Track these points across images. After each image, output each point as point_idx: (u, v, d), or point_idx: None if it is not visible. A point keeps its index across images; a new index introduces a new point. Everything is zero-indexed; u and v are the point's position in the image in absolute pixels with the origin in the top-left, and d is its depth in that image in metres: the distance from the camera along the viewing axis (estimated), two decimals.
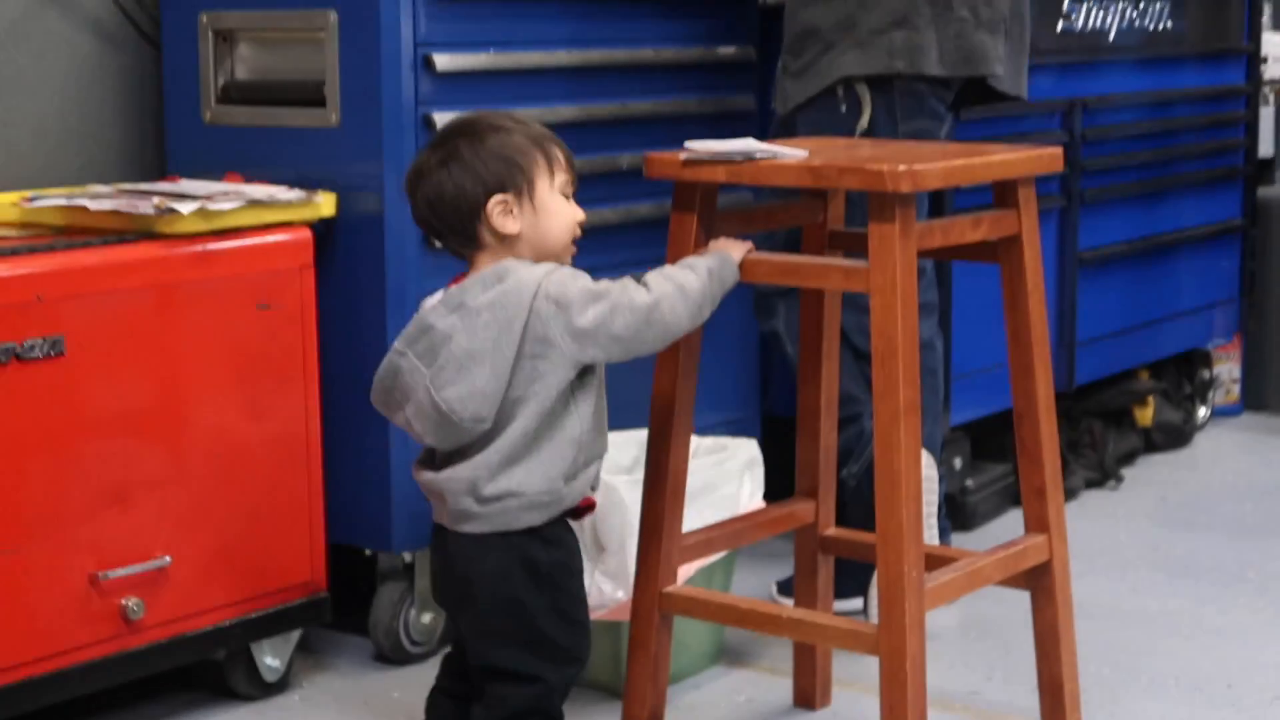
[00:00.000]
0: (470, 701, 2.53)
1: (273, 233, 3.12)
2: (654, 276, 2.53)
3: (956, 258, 3.00)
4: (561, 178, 2.51)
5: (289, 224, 3.15)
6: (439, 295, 2.49)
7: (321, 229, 3.22)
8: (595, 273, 3.51)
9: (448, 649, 2.67)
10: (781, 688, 3.20)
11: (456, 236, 2.50)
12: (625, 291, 2.48)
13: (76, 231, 3.02)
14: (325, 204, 3.20)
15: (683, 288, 2.52)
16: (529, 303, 2.43)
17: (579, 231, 2.53)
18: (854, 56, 3.39)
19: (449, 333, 2.43)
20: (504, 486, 2.44)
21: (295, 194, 3.17)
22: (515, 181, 2.47)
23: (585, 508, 2.56)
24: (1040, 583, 2.88)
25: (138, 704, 3.16)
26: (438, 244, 2.60)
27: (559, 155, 2.51)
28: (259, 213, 3.10)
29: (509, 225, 2.46)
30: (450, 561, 2.51)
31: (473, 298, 2.43)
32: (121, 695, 3.15)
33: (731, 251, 2.65)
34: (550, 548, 2.49)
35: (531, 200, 2.48)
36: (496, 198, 2.46)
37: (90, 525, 2.89)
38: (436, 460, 2.52)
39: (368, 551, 3.34)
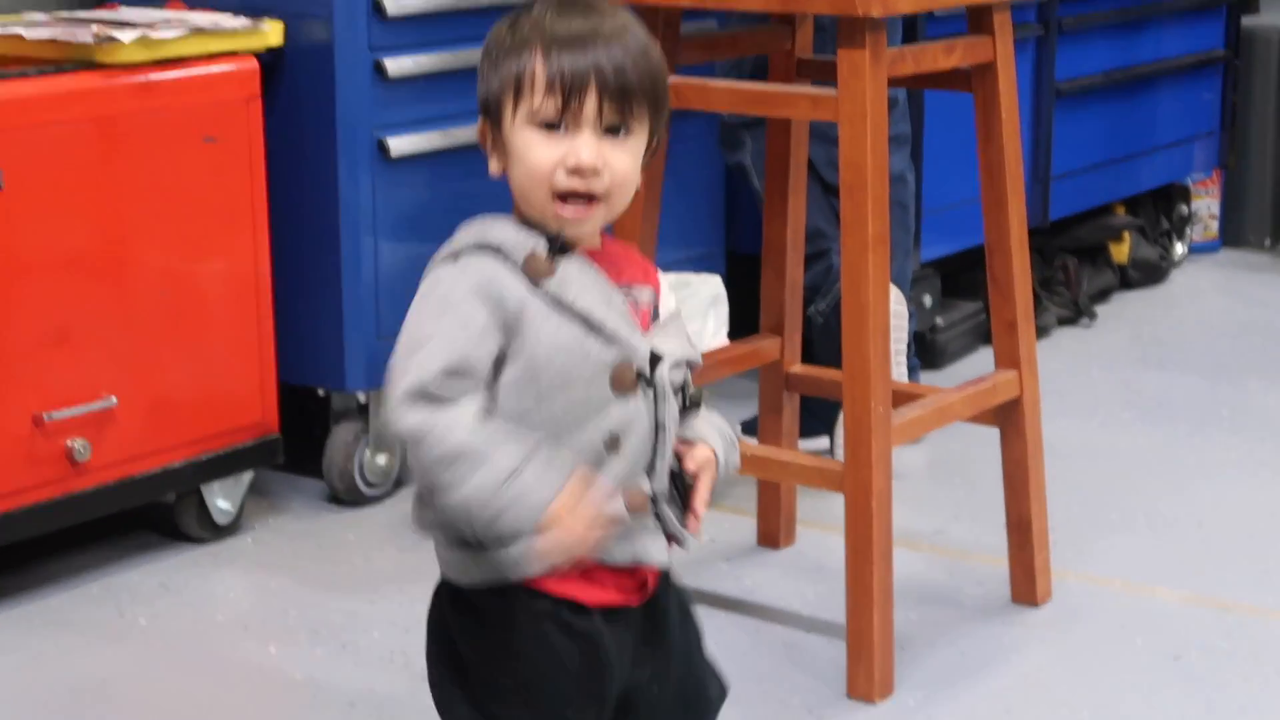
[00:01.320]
0: None
1: (218, 62, 3.08)
2: (485, 435, 1.69)
3: (929, 86, 2.99)
4: (536, 100, 1.77)
5: (234, 53, 3.11)
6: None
7: (268, 58, 3.18)
8: None
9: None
10: (746, 527, 3.22)
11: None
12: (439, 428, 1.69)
13: (12, 61, 2.98)
14: (272, 32, 3.16)
15: (474, 469, 1.68)
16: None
17: (563, 182, 1.76)
18: None
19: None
20: None
21: (241, 21, 3.14)
22: (491, 104, 1.83)
23: None
24: (1010, 419, 2.90)
25: (86, 547, 3.17)
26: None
27: (532, 67, 1.77)
28: (203, 41, 3.06)
29: (491, 164, 1.86)
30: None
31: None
32: (70, 538, 3.15)
33: (560, 503, 1.69)
34: None
35: (502, 135, 1.82)
36: (480, 121, 1.86)
37: (32, 366, 2.88)
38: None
39: (321, 391, 3.34)
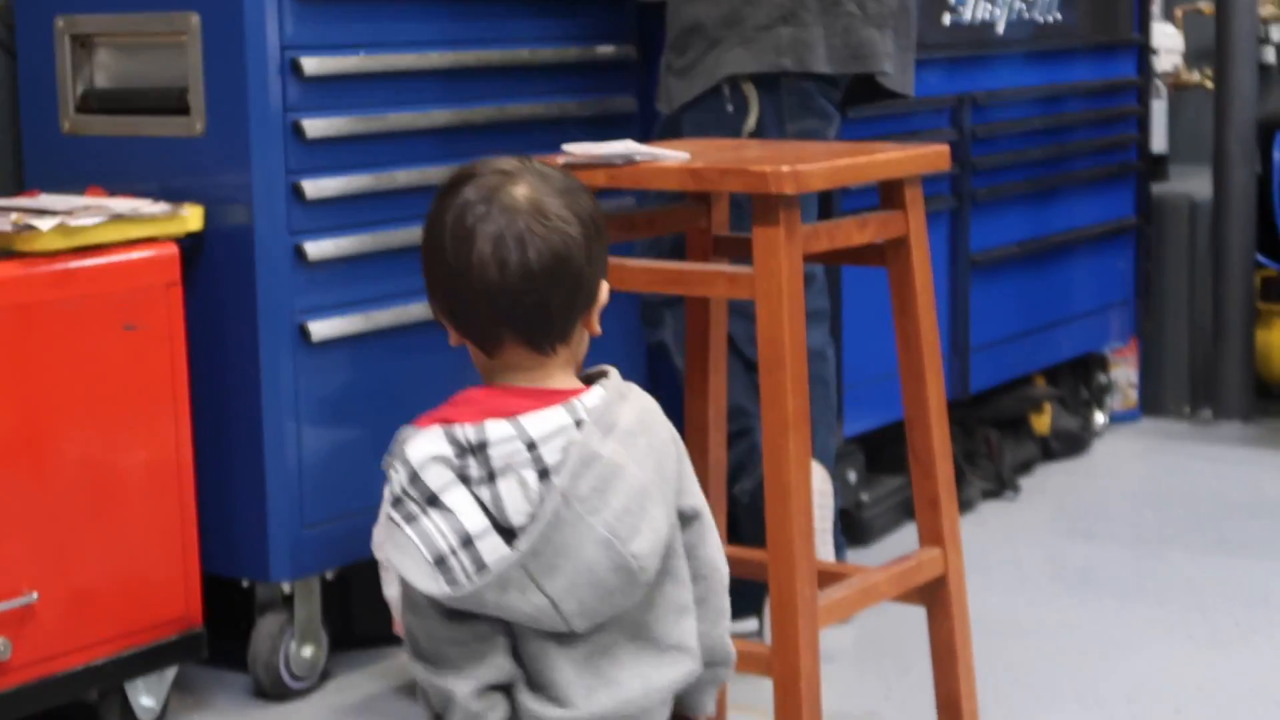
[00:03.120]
0: None
1: (137, 249, 3.10)
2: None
3: (844, 262, 3.04)
4: None
5: (154, 239, 3.13)
6: (541, 418, 1.88)
7: (189, 244, 3.21)
8: None
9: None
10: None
11: (560, 319, 1.92)
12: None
13: None
14: (192, 217, 3.19)
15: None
16: (668, 436, 1.97)
17: None
18: (740, 53, 3.41)
19: (619, 463, 1.87)
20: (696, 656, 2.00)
21: (160, 207, 3.16)
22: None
23: None
24: (936, 597, 2.91)
25: None
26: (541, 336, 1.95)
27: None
28: (122, 228, 3.08)
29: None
30: None
31: (620, 416, 1.91)
32: None
33: None
34: None
35: None
36: (605, 287, 1.98)
37: None
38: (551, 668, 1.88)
39: (245, 582, 3.33)
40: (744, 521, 3.50)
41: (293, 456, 3.25)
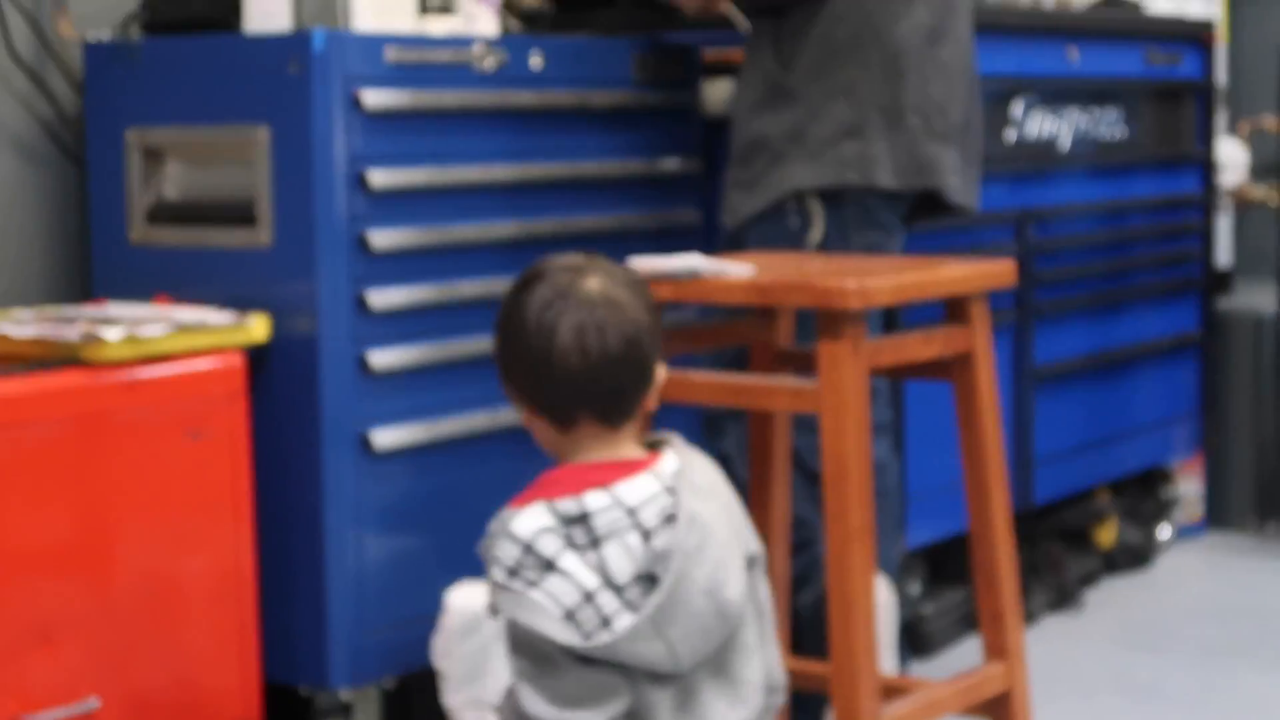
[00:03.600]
0: None
1: (203, 358, 3.12)
2: None
3: (908, 376, 3.04)
4: None
5: (220, 349, 3.15)
6: (634, 486, 2.10)
7: (254, 353, 3.23)
8: None
9: None
10: None
11: (632, 397, 2.16)
12: None
13: None
14: (258, 327, 3.21)
15: None
16: (732, 491, 2.22)
17: None
18: (804, 167, 3.42)
19: (711, 521, 2.10)
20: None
21: (226, 317, 3.19)
22: None
23: None
24: (1001, 712, 2.90)
25: None
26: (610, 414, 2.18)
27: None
28: (189, 338, 3.10)
29: (653, 402, 2.22)
30: None
31: (698, 476, 2.14)
32: None
33: None
34: None
35: None
36: (663, 368, 2.23)
37: (13, 666, 2.87)
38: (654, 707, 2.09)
39: (304, 690, 3.33)
40: (806, 633, 3.48)
41: (353, 565, 3.25)
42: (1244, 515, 5.34)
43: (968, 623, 4.25)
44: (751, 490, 3.08)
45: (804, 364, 2.99)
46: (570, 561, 2.03)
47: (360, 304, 3.25)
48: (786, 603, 3.12)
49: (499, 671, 2.96)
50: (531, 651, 2.04)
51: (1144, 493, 5.08)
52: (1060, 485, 4.62)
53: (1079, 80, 4.60)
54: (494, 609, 2.06)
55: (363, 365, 3.25)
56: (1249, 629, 4.40)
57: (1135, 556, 4.92)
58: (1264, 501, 5.33)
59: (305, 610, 3.26)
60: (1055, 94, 4.50)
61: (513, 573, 2.03)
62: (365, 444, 3.26)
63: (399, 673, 3.34)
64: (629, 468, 2.10)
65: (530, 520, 2.04)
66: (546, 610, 2.01)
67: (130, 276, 3.46)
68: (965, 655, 4.08)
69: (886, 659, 3.40)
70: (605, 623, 2.01)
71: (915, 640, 4.11)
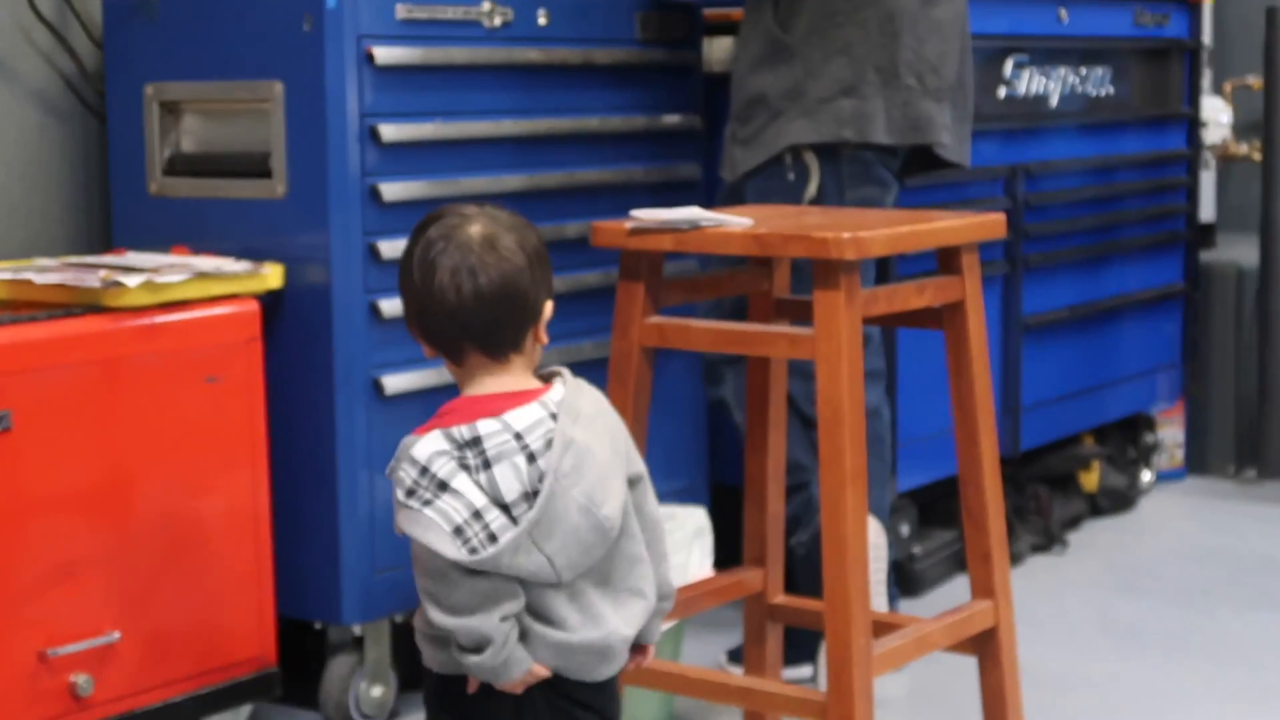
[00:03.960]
0: None
1: (220, 305, 3.13)
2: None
3: (901, 324, 3.03)
4: None
5: (236, 296, 3.16)
6: (522, 414, 2.21)
7: (269, 301, 3.24)
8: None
9: None
10: None
11: (510, 332, 2.26)
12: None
13: (22, 305, 3.03)
14: (272, 275, 3.22)
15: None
16: (618, 417, 2.30)
17: None
18: (802, 124, 3.43)
19: (590, 444, 2.21)
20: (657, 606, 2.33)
21: (242, 265, 3.19)
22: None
23: None
24: (987, 648, 2.91)
25: None
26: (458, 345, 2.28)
27: None
28: (206, 285, 3.11)
29: (544, 335, 2.31)
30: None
31: (582, 404, 2.25)
32: None
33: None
34: None
35: None
36: (550, 304, 2.31)
37: (38, 602, 2.89)
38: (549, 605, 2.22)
39: (317, 624, 3.35)
40: (800, 573, 3.50)
41: (365, 504, 3.26)
42: (1223, 461, 5.35)
43: (956, 563, 4.26)
44: (749, 435, 3.08)
45: (800, 313, 2.99)
46: (462, 482, 2.14)
47: (372, 253, 3.26)
48: (782, 543, 3.13)
49: None
50: (428, 567, 2.15)
51: (1127, 439, 5.09)
52: (1046, 431, 4.62)
53: (1069, 40, 4.58)
54: (397, 527, 2.19)
55: (374, 312, 3.26)
56: (1226, 571, 4.41)
57: (1118, 500, 4.93)
58: (1242, 448, 5.33)
59: (319, 548, 3.27)
60: (1046, 53, 4.48)
61: (410, 492, 2.15)
62: (376, 388, 3.26)
63: (408, 608, 3.35)
64: (520, 397, 2.21)
65: (427, 445, 2.16)
66: (438, 527, 2.12)
67: (149, 227, 3.46)
68: (953, 594, 4.09)
69: (877, 597, 3.41)
70: (492, 538, 2.12)
71: (905, 579, 4.13)
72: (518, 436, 2.18)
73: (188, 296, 3.08)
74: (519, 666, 2.16)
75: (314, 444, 3.26)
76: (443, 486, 2.15)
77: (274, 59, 3.27)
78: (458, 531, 2.13)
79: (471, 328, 2.23)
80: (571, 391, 2.24)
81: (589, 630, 2.20)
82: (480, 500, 2.14)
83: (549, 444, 2.19)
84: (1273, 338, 5.16)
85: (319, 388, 3.25)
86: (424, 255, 2.26)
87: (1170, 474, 5.27)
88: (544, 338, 2.29)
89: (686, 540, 3.29)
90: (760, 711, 3.07)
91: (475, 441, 2.17)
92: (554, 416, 2.21)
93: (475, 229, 2.27)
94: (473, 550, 2.12)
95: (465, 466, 2.16)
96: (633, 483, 2.28)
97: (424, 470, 2.15)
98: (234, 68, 3.34)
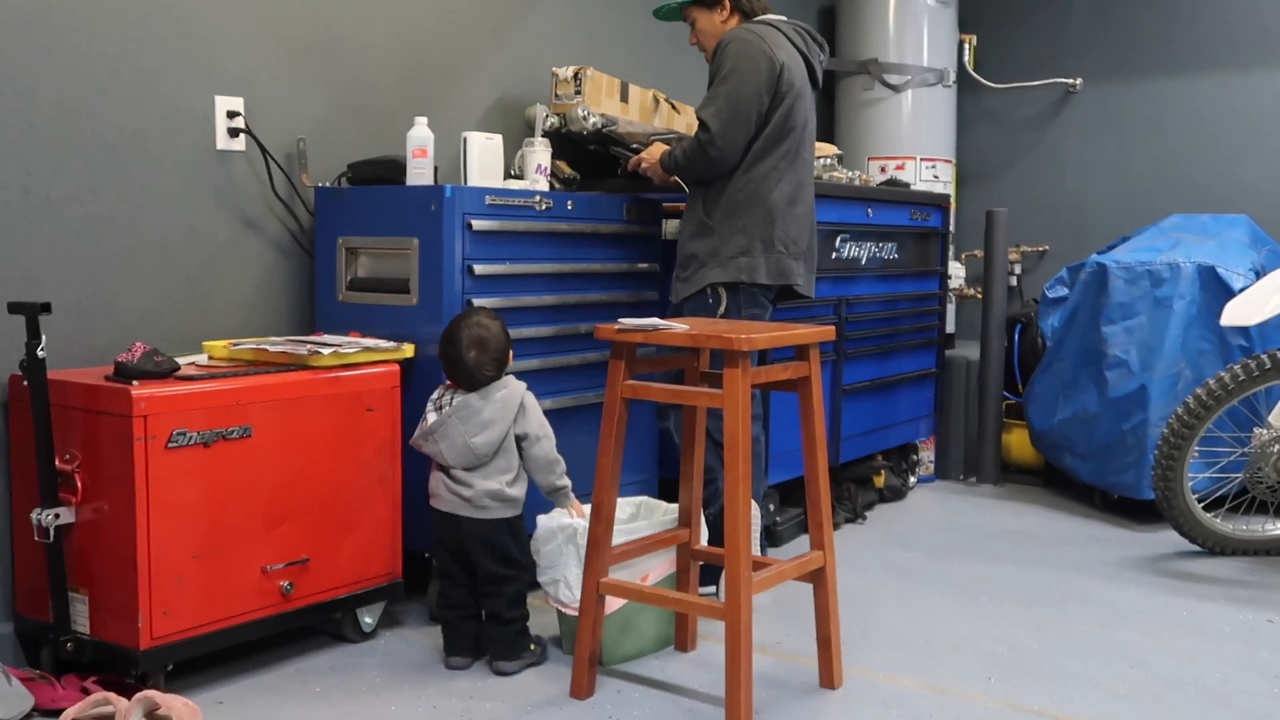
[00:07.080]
0: (467, 612, 2.90)
1: (376, 366, 3.09)
2: (555, 460, 2.91)
3: (774, 389, 3.02)
4: None
5: (386, 361, 3.13)
6: (459, 397, 2.86)
7: (405, 365, 3.21)
8: (563, 395, 3.50)
9: (437, 593, 2.95)
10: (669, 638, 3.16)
11: (493, 367, 2.83)
12: (550, 441, 2.89)
13: (261, 363, 3.00)
14: (408, 350, 3.19)
15: (556, 463, 2.91)
16: (519, 399, 2.84)
17: None
18: (717, 271, 3.42)
19: (480, 408, 2.79)
20: (511, 494, 2.85)
21: (390, 344, 3.16)
22: None
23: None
24: (818, 579, 2.88)
25: (287, 646, 3.10)
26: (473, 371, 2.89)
27: None
28: (369, 354, 3.08)
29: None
30: (468, 531, 2.85)
31: (492, 394, 2.83)
32: (278, 641, 3.08)
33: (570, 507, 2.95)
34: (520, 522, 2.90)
35: None
36: (512, 351, 2.91)
37: (263, 538, 2.86)
38: (451, 475, 2.83)
39: (425, 554, 3.30)
40: (712, 531, 3.47)
41: None
42: (957, 472, 5.33)
43: (801, 528, 4.22)
44: (684, 451, 3.05)
45: (715, 380, 2.97)
46: (431, 410, 2.84)
47: None
48: (701, 514, 3.10)
49: (568, 564, 2.93)
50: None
51: (902, 457, 5.06)
52: (856, 451, 4.59)
53: (873, 226, 4.58)
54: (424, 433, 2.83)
55: None
56: (959, 538, 4.37)
57: (896, 493, 4.89)
58: (968, 465, 5.30)
59: (423, 508, 3.22)
60: (859, 233, 4.48)
61: (426, 409, 2.86)
62: None
63: None
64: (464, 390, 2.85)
65: (433, 394, 2.87)
66: (426, 418, 2.84)
67: (337, 320, 3.43)
68: (800, 546, 4.05)
69: (755, 547, 3.38)
70: (427, 436, 2.82)
71: (771, 537, 4.09)
72: (450, 400, 2.81)
73: (358, 360, 3.05)
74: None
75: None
76: (428, 410, 2.86)
77: (413, 225, 3.25)
78: (424, 422, 2.83)
79: (456, 370, 2.82)
80: (493, 388, 2.77)
81: (462, 489, 2.80)
82: (434, 418, 2.82)
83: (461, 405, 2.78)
84: (985, 401, 5.15)
85: None
86: (447, 330, 2.86)
87: (926, 478, 5.24)
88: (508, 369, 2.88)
89: (644, 512, 3.25)
90: (684, 613, 3.03)
91: (441, 396, 2.85)
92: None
93: (471, 318, 2.83)
94: (424, 436, 2.82)
95: (436, 408, 2.84)
96: (519, 439, 2.80)
97: (431, 402, 2.88)
98: (390, 229, 3.32)
